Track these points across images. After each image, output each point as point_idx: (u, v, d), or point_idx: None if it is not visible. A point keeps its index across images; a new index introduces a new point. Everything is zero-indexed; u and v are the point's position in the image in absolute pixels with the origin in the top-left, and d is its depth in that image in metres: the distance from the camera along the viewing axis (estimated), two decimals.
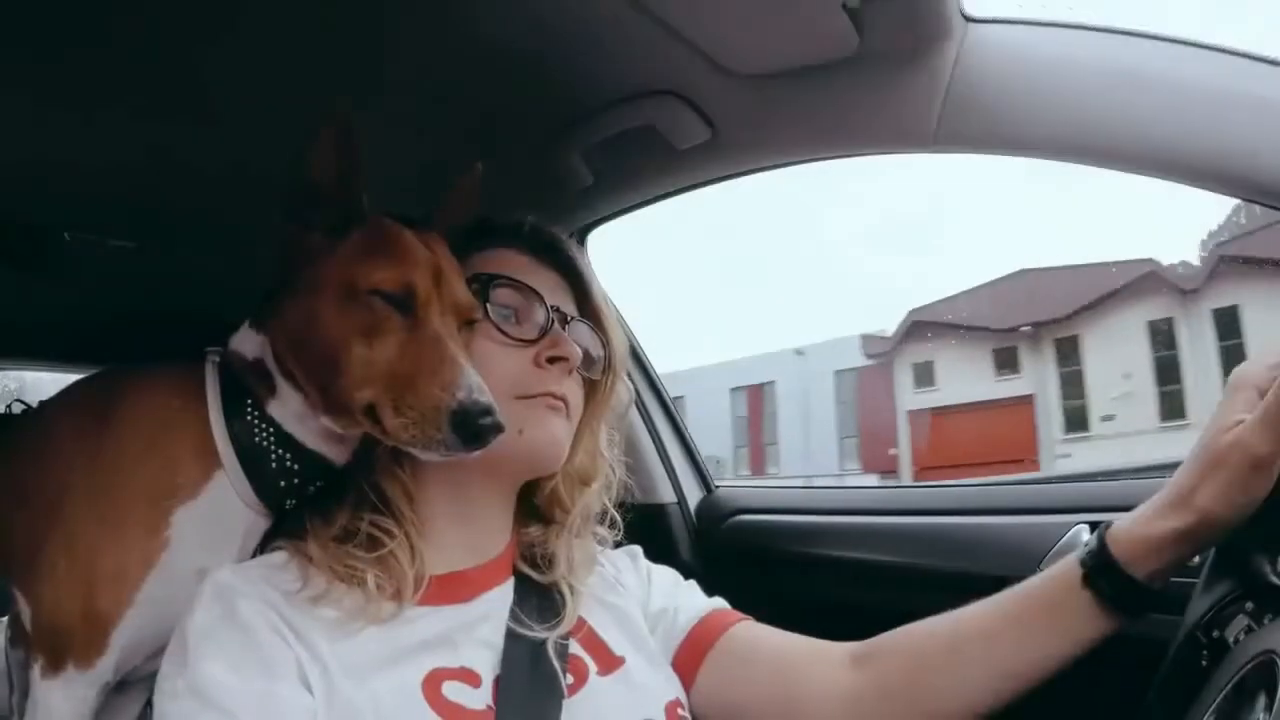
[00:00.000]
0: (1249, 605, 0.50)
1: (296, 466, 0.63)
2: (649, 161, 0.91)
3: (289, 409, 0.63)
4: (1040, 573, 0.60)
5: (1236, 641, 0.50)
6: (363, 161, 0.58)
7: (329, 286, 0.58)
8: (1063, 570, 0.58)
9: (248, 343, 0.65)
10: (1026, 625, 0.59)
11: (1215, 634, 0.52)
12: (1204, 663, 0.52)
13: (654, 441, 1.25)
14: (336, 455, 0.64)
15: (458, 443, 0.53)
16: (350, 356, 0.57)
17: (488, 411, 0.53)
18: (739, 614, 0.73)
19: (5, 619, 0.79)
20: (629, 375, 0.80)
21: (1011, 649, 0.59)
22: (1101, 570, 0.56)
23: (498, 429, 0.54)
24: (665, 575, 0.78)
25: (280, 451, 0.63)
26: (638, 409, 1.21)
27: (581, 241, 1.09)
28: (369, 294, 0.57)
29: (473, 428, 0.53)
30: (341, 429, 0.62)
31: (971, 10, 0.69)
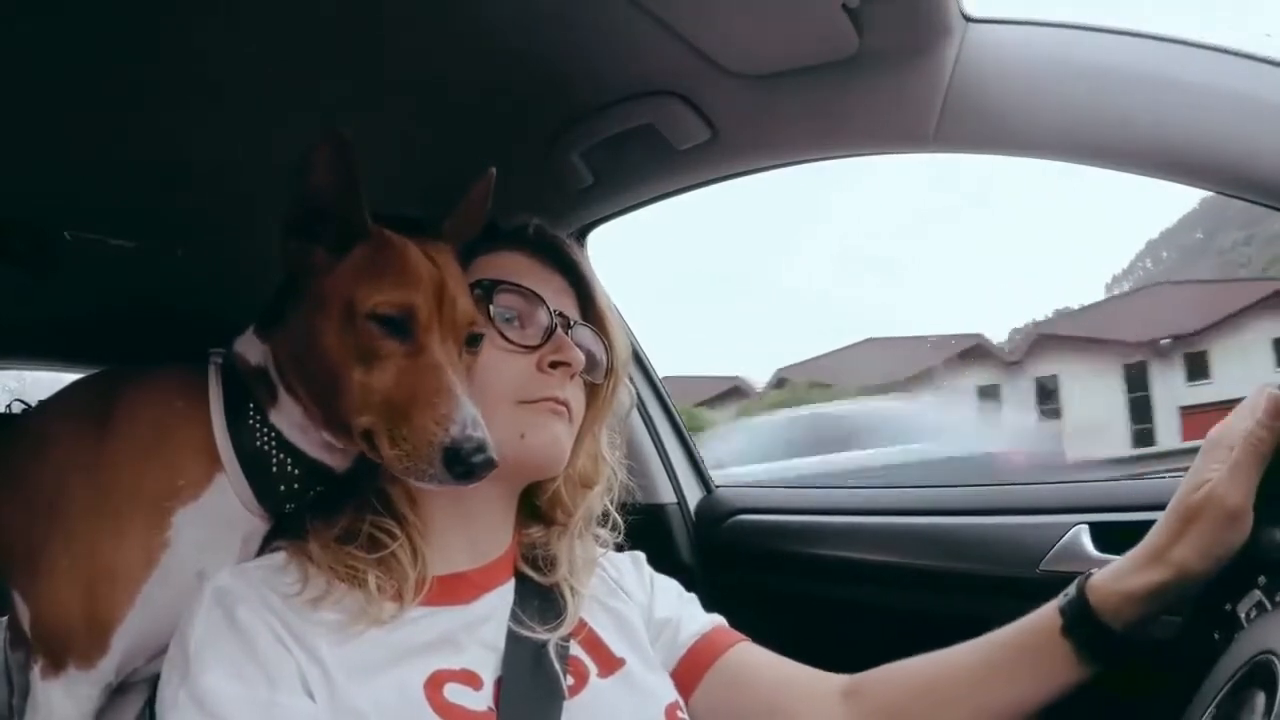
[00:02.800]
0: (1261, 580, 0.51)
1: (297, 472, 0.63)
2: (649, 161, 0.91)
3: (290, 419, 0.63)
4: (1024, 618, 0.62)
5: (1248, 618, 0.50)
6: (361, 176, 0.57)
7: (330, 306, 0.57)
8: (1042, 618, 0.60)
9: (251, 348, 0.65)
10: (1006, 670, 0.61)
11: (1228, 607, 0.52)
12: (1216, 635, 0.52)
13: (654, 442, 1.25)
14: (337, 464, 0.64)
15: (449, 477, 0.53)
16: (349, 381, 0.56)
17: (480, 448, 0.53)
18: (738, 635, 0.74)
19: (4, 619, 0.79)
20: (629, 377, 0.80)
21: (991, 692, 0.61)
22: (1079, 620, 0.58)
23: (490, 465, 0.53)
24: (670, 585, 0.79)
25: (281, 456, 0.63)
26: (638, 409, 1.21)
27: (581, 241, 1.09)
28: (367, 318, 0.56)
29: (465, 464, 0.53)
30: (341, 445, 0.62)
31: (971, 10, 0.69)
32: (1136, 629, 0.57)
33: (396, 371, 0.56)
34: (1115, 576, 0.58)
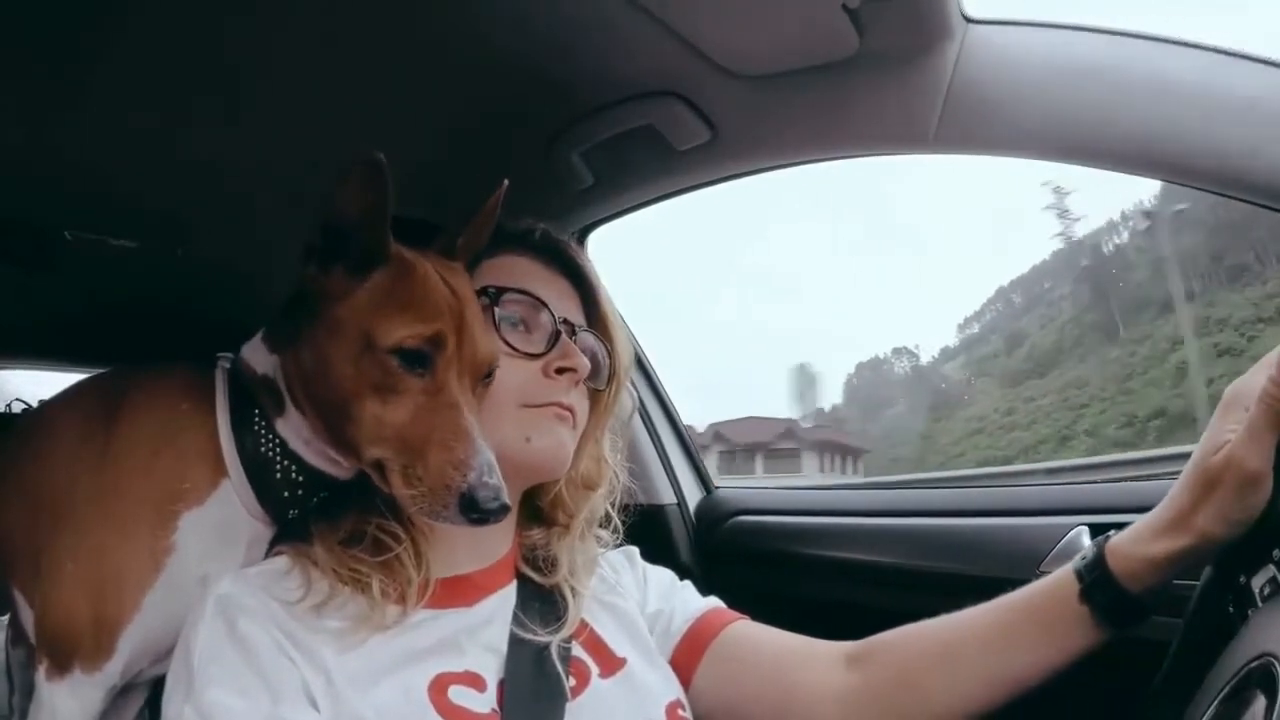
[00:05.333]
0: (1276, 553, 0.49)
1: (301, 479, 0.63)
2: (649, 162, 0.91)
3: (296, 431, 0.62)
4: (1036, 581, 0.60)
5: (1263, 595, 0.49)
6: (391, 201, 0.55)
7: (345, 335, 0.56)
8: (1059, 582, 0.59)
9: (259, 357, 0.64)
10: (1021, 634, 0.59)
11: (1242, 579, 0.51)
12: (1230, 609, 0.51)
13: (654, 443, 1.25)
14: (341, 474, 0.64)
15: (462, 521, 0.53)
16: (363, 412, 0.56)
17: (496, 495, 0.53)
18: (735, 613, 0.74)
19: (5, 618, 0.79)
20: (630, 380, 0.80)
21: (1006, 656, 0.59)
22: (1099, 585, 0.56)
23: (504, 511, 0.53)
24: (662, 576, 0.78)
25: (285, 463, 0.62)
26: (639, 411, 1.21)
27: (581, 242, 1.09)
28: (388, 353, 0.55)
29: (480, 511, 0.53)
30: (348, 464, 0.62)
31: (971, 11, 0.69)
32: (1154, 594, 0.56)
33: (414, 408, 0.55)
34: (1136, 541, 0.56)
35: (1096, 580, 0.56)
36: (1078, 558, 0.59)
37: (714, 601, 0.75)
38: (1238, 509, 0.52)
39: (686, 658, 0.70)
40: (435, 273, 0.59)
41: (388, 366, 0.55)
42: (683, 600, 0.75)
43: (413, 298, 0.57)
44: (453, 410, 0.55)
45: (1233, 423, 0.53)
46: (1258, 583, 0.50)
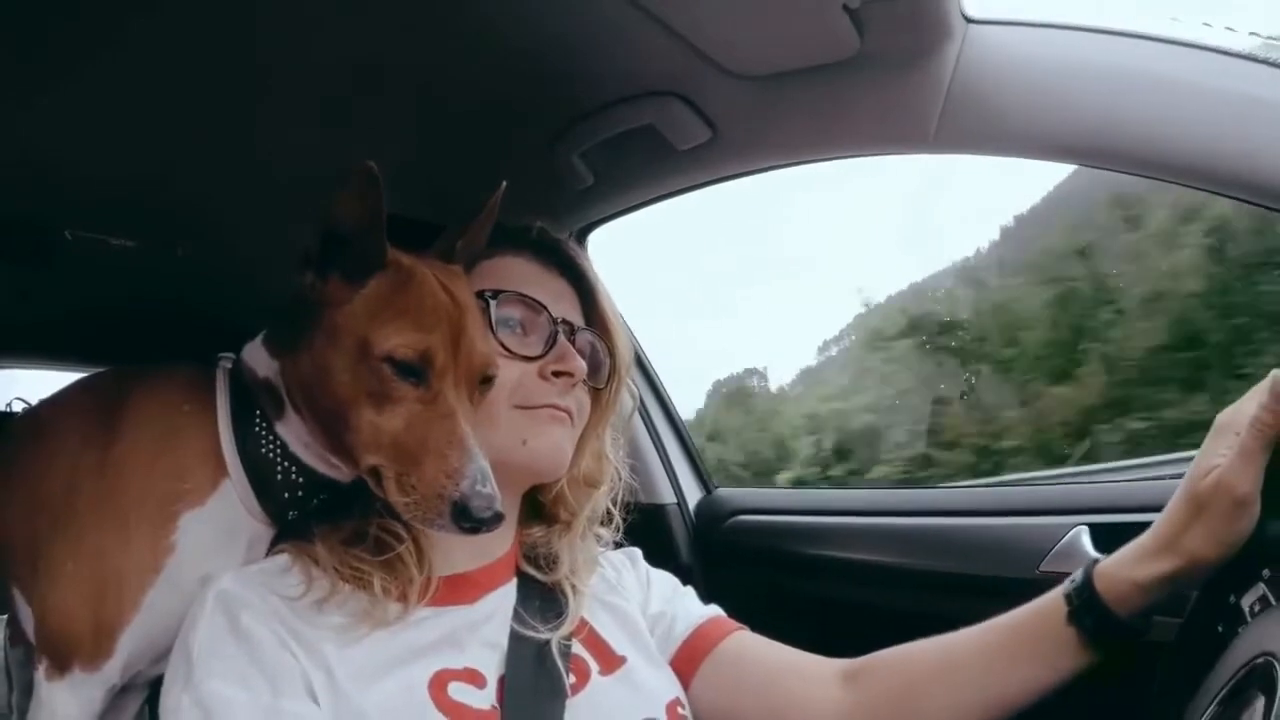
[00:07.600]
0: (1266, 572, 0.50)
1: (301, 480, 0.63)
2: (649, 162, 0.91)
3: (297, 434, 0.62)
4: (1030, 602, 0.61)
5: (1253, 612, 0.49)
6: (384, 210, 0.55)
7: (343, 342, 0.56)
8: (1049, 604, 0.60)
9: (260, 360, 0.64)
10: (1014, 655, 0.60)
11: (1232, 599, 0.52)
12: (1220, 628, 0.52)
13: (654, 442, 1.25)
14: (341, 477, 0.64)
15: (455, 529, 0.53)
16: (359, 419, 0.56)
17: (489, 504, 0.53)
18: (735, 624, 0.74)
19: (4, 618, 0.79)
20: (631, 378, 0.80)
21: (1000, 676, 0.60)
22: (1087, 609, 0.57)
23: (498, 520, 0.53)
24: (664, 580, 0.79)
25: (285, 465, 0.62)
26: (639, 410, 1.21)
27: (581, 242, 1.09)
28: (383, 360, 0.55)
29: (473, 520, 0.53)
30: (346, 469, 0.62)
31: (971, 11, 0.68)
32: (1142, 616, 0.56)
33: (409, 416, 0.55)
34: (1124, 564, 0.57)
35: (1084, 604, 0.57)
36: (1068, 581, 0.60)
37: (715, 610, 0.75)
38: (1226, 531, 0.52)
39: (685, 665, 0.71)
40: (434, 278, 0.59)
41: (383, 375, 0.55)
42: (685, 607, 0.75)
43: (409, 305, 0.57)
44: (448, 419, 0.55)
45: (1223, 448, 0.54)
46: (1247, 601, 0.50)
